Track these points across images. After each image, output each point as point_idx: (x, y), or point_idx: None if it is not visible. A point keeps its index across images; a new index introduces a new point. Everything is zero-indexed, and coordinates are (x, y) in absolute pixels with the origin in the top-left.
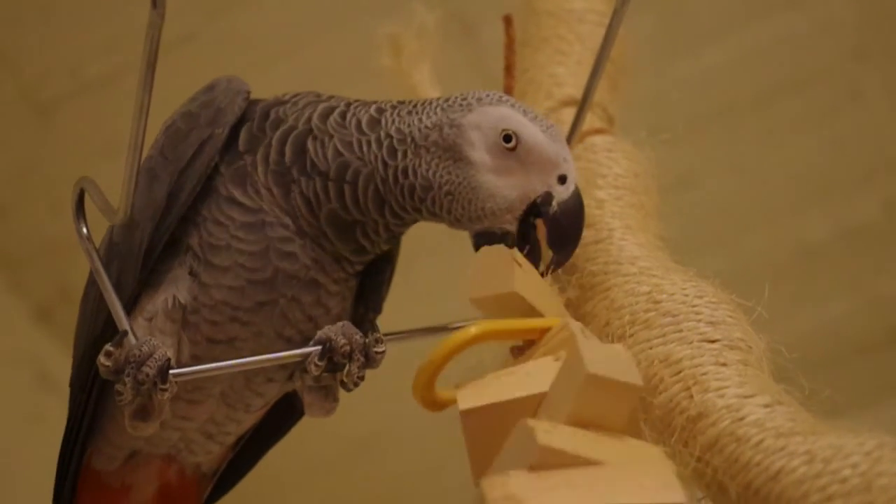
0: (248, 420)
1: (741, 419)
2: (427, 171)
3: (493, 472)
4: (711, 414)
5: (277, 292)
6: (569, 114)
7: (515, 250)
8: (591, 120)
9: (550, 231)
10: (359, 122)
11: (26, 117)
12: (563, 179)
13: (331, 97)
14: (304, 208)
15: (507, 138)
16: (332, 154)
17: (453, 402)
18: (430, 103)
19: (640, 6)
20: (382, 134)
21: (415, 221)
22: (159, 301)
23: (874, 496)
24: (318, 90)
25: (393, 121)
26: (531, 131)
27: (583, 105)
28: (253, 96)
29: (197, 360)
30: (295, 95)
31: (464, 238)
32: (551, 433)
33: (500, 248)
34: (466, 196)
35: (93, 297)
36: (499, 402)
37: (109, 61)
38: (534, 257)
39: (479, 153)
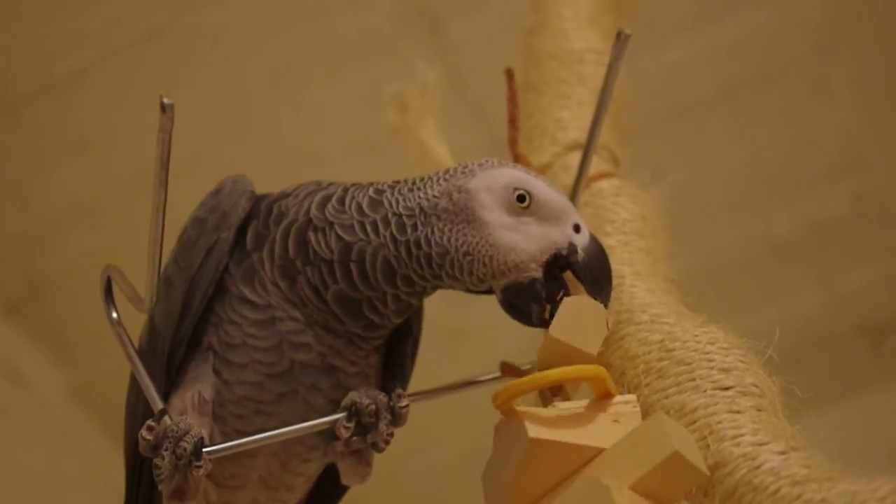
0: (293, 498)
1: (757, 468)
2: (441, 238)
3: None
4: (728, 463)
5: (296, 381)
6: (574, 158)
7: (607, 312)
8: (596, 163)
9: (585, 277)
10: (359, 206)
11: None
12: (577, 228)
13: (329, 184)
14: (311, 296)
15: (521, 198)
16: (334, 240)
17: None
18: (431, 177)
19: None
20: (390, 213)
21: (434, 290)
22: (187, 398)
23: None
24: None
25: (396, 200)
26: (541, 187)
27: (585, 155)
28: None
29: None
30: (297, 187)
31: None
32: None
33: (596, 306)
34: (487, 253)
35: (136, 386)
36: (568, 444)
37: (77, 58)
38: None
39: (492, 213)
